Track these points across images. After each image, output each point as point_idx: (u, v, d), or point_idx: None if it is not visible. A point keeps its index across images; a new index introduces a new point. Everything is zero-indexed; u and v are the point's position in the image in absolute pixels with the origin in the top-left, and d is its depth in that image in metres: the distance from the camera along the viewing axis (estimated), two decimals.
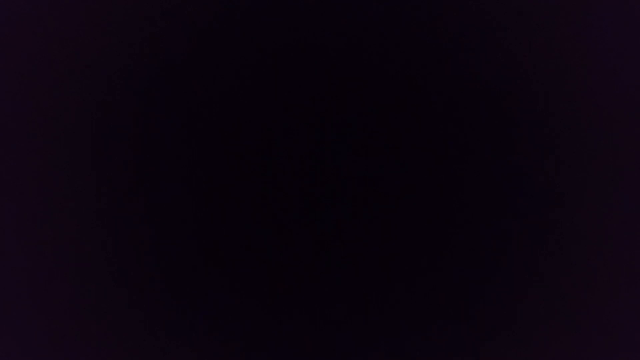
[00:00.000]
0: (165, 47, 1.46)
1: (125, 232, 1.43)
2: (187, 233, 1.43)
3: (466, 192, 1.43)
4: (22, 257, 1.44)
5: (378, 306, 1.42)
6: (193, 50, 1.46)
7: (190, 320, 1.42)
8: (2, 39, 1.46)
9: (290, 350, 1.42)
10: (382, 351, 1.42)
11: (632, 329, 1.42)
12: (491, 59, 1.45)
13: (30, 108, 1.46)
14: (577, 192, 1.44)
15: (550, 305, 1.42)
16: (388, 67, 1.45)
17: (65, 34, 1.46)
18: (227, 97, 1.45)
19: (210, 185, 1.44)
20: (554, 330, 1.42)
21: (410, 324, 1.42)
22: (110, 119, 1.45)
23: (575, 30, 1.46)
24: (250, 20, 1.46)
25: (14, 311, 1.44)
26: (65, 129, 1.45)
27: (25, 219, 1.44)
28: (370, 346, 1.42)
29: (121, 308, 1.43)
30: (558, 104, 1.45)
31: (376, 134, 1.44)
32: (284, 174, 1.44)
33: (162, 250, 1.43)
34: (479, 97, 1.45)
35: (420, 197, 1.43)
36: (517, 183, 1.44)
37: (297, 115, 1.44)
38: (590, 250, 1.43)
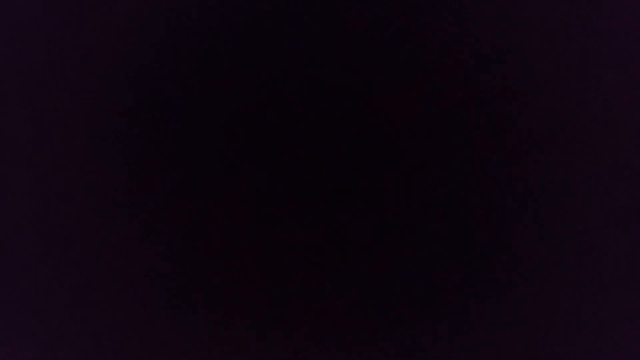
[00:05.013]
0: (165, 47, 1.46)
1: (124, 231, 1.44)
2: (187, 232, 1.44)
3: (466, 191, 1.43)
4: (22, 256, 1.44)
5: (377, 307, 1.43)
6: (193, 50, 1.46)
7: (189, 320, 1.43)
8: (3, 39, 1.47)
9: (290, 351, 1.42)
10: (381, 351, 1.42)
11: (632, 329, 1.42)
12: (490, 58, 1.45)
13: (30, 108, 1.46)
14: (577, 192, 1.44)
15: (550, 305, 1.43)
16: (388, 67, 1.45)
17: (66, 35, 1.47)
18: (227, 97, 1.45)
19: (210, 185, 1.44)
20: (553, 330, 1.42)
21: (409, 324, 1.42)
22: (111, 118, 1.45)
23: (575, 30, 1.46)
24: (250, 20, 1.46)
25: (13, 311, 1.44)
26: (64, 129, 1.45)
27: (25, 218, 1.45)
28: (369, 346, 1.43)
29: (120, 308, 1.43)
30: (557, 104, 1.45)
31: (375, 134, 1.44)
32: (284, 173, 1.44)
33: (162, 250, 1.44)
34: (479, 97, 1.45)
35: (419, 196, 1.43)
36: (516, 183, 1.44)
37: (297, 116, 1.44)
38: (590, 250, 1.43)
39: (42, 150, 1.45)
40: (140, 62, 1.46)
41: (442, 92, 1.44)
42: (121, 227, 1.44)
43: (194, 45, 1.45)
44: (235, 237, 1.43)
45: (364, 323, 1.42)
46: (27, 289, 1.44)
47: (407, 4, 1.45)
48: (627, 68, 1.45)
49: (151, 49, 1.46)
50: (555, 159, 1.44)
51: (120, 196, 1.44)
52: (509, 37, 1.46)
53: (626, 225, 1.43)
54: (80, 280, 1.44)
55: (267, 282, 1.43)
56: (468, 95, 1.45)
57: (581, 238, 1.43)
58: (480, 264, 1.43)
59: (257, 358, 1.42)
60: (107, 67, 1.46)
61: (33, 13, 1.47)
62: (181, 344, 1.43)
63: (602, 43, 1.46)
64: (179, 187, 1.44)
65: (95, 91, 1.46)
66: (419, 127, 1.44)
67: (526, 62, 1.45)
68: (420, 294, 1.42)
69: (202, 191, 1.44)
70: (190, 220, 1.44)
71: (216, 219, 1.44)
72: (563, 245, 1.43)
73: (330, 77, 1.45)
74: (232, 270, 1.43)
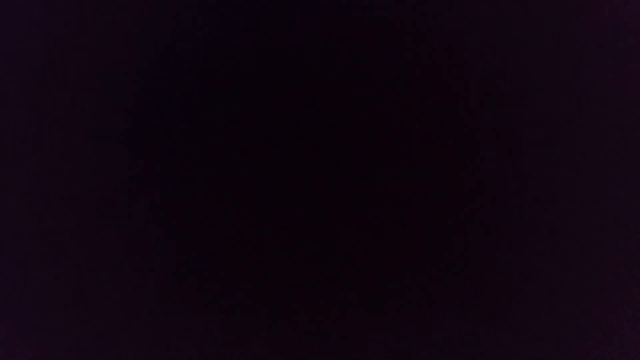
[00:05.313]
0: (165, 47, 1.46)
1: (125, 232, 1.44)
2: (187, 232, 1.44)
3: (466, 192, 1.44)
4: (22, 256, 1.44)
5: (377, 307, 1.43)
6: (193, 50, 1.46)
7: (190, 321, 1.43)
8: (3, 39, 1.47)
9: (289, 351, 1.42)
10: (380, 351, 1.42)
11: (632, 329, 1.42)
12: (491, 58, 1.45)
13: (30, 108, 1.46)
14: (576, 192, 1.44)
15: (549, 305, 1.43)
16: (387, 67, 1.45)
17: (66, 35, 1.47)
18: (227, 97, 1.45)
19: (210, 185, 1.44)
20: (553, 330, 1.42)
21: (410, 324, 1.42)
22: (111, 118, 1.45)
23: (575, 30, 1.46)
24: (250, 20, 1.46)
25: (13, 311, 1.44)
26: (64, 129, 1.46)
27: (25, 218, 1.45)
28: (369, 346, 1.43)
29: (120, 308, 1.43)
30: (558, 104, 1.45)
31: (375, 134, 1.44)
32: (284, 174, 1.44)
33: (162, 250, 1.44)
34: (479, 97, 1.45)
35: (419, 197, 1.43)
36: (515, 183, 1.44)
37: (297, 116, 1.44)
38: (590, 250, 1.43)
39: (42, 150, 1.46)
40: (141, 62, 1.46)
41: (442, 92, 1.45)
42: (121, 227, 1.44)
43: (194, 45, 1.46)
44: (235, 237, 1.44)
45: (363, 323, 1.43)
46: (27, 289, 1.44)
47: (406, 4, 1.45)
48: (627, 68, 1.45)
49: (151, 49, 1.46)
50: (555, 159, 1.44)
51: (120, 196, 1.44)
52: (508, 38, 1.46)
53: (626, 226, 1.43)
54: (80, 281, 1.44)
55: (268, 282, 1.43)
56: (468, 95, 1.45)
57: (581, 238, 1.43)
58: (480, 264, 1.43)
59: (256, 358, 1.42)
60: (107, 67, 1.46)
61: (33, 13, 1.47)
62: (181, 345, 1.43)
63: (602, 43, 1.46)
64: (179, 188, 1.44)
65: (95, 91, 1.46)
66: (419, 128, 1.44)
67: (526, 62, 1.46)
68: (419, 295, 1.42)
69: (202, 191, 1.44)
70: (191, 221, 1.44)
71: (216, 219, 1.44)
72: (562, 245, 1.43)
73: (331, 77, 1.45)
74: (232, 271, 1.43)
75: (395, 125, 1.44)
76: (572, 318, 1.42)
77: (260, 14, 1.45)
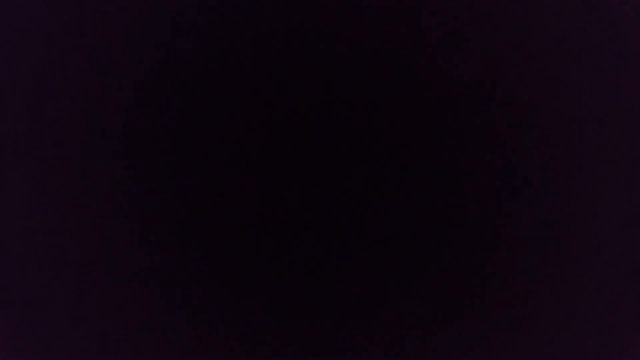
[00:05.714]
0: (165, 48, 1.46)
1: (123, 232, 1.44)
2: (187, 233, 1.44)
3: (466, 191, 1.44)
4: (22, 256, 1.44)
5: (377, 307, 1.43)
6: (193, 50, 1.46)
7: (190, 321, 1.43)
8: (3, 38, 1.47)
9: (289, 351, 1.42)
10: (381, 351, 1.42)
11: (632, 329, 1.42)
12: (491, 58, 1.45)
13: (30, 108, 1.46)
14: (577, 192, 1.44)
15: (550, 305, 1.43)
16: (386, 66, 1.45)
17: (66, 35, 1.47)
18: (225, 96, 1.45)
19: (208, 185, 1.44)
20: (553, 330, 1.42)
21: (410, 325, 1.42)
22: (109, 118, 1.45)
23: (574, 30, 1.46)
24: (249, 19, 1.46)
25: (13, 310, 1.44)
26: (62, 129, 1.45)
27: (25, 218, 1.45)
28: (369, 346, 1.43)
29: (118, 309, 1.43)
30: (557, 104, 1.45)
31: (374, 134, 1.44)
32: (283, 174, 1.44)
33: (162, 251, 1.44)
34: (479, 97, 1.45)
35: (419, 197, 1.43)
36: (516, 183, 1.44)
37: (296, 115, 1.44)
38: (590, 249, 1.43)
39: (41, 150, 1.46)
40: (141, 61, 1.46)
41: (441, 91, 1.45)
42: (121, 227, 1.44)
43: (195, 46, 1.46)
44: (235, 237, 1.44)
45: (363, 323, 1.43)
46: (27, 288, 1.44)
47: (407, 6, 1.45)
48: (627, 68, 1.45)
49: (151, 49, 1.46)
50: (555, 159, 1.44)
51: (120, 196, 1.44)
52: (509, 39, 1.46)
53: (627, 225, 1.43)
54: (81, 280, 1.44)
55: (268, 282, 1.43)
56: (468, 93, 1.45)
57: (581, 237, 1.43)
58: (479, 263, 1.43)
59: (256, 358, 1.42)
60: (107, 67, 1.46)
61: (33, 13, 1.47)
62: (181, 345, 1.43)
63: (602, 43, 1.46)
64: (180, 188, 1.44)
65: (95, 91, 1.46)
66: (419, 127, 1.44)
67: (526, 61, 1.46)
68: (419, 295, 1.43)
69: (202, 191, 1.44)
70: (191, 221, 1.44)
71: (216, 218, 1.44)
72: (562, 245, 1.44)
73: (331, 77, 1.45)
74: (232, 271, 1.43)
75: (395, 124, 1.44)
76: (572, 318, 1.42)
77: (260, 14, 1.45)
